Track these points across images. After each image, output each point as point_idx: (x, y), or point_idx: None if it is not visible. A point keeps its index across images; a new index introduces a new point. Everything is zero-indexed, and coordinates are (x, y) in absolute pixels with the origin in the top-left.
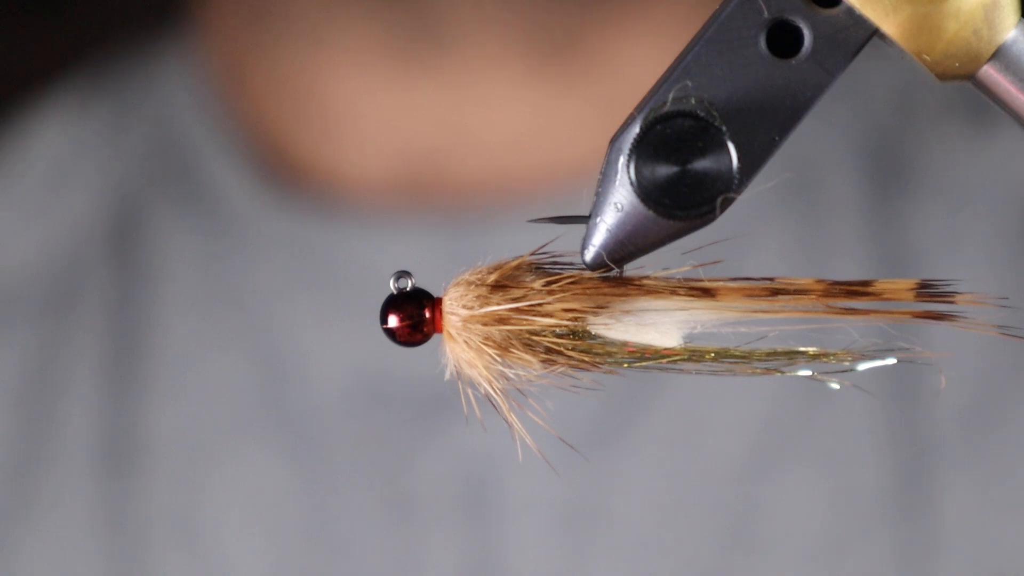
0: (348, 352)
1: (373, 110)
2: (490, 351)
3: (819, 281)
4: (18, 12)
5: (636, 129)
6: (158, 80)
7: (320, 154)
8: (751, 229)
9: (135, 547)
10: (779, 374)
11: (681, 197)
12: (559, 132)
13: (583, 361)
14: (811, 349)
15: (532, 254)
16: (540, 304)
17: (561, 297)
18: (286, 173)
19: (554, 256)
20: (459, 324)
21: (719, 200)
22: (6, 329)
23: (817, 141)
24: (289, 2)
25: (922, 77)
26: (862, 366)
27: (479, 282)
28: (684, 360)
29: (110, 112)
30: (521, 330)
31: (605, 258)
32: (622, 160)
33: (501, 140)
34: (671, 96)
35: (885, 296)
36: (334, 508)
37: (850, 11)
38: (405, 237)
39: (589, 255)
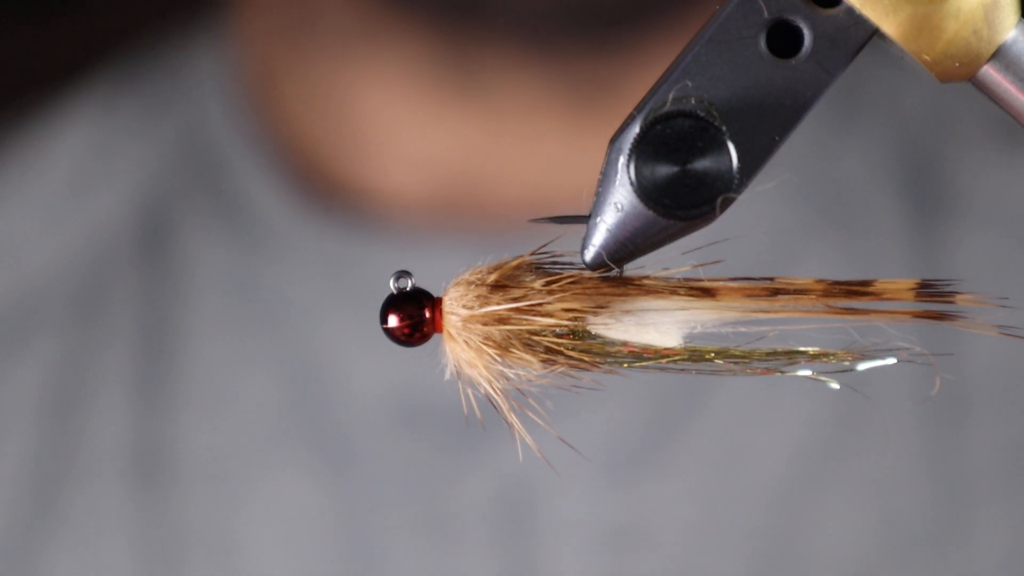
0: (384, 369)
1: (409, 127)
2: (490, 351)
3: (819, 281)
4: (43, 7)
5: (636, 129)
6: (188, 82)
7: (354, 168)
8: (794, 245)
9: (167, 565)
10: (779, 374)
11: (681, 197)
12: (594, 157)
13: (583, 361)
14: (811, 349)
15: (532, 254)
16: (540, 304)
17: (561, 297)
18: (320, 186)
19: (554, 256)
20: (459, 324)
21: (719, 200)
22: (29, 337)
23: (857, 163)
24: (324, 15)
25: (961, 98)
26: (862, 366)
27: (479, 282)
28: (684, 360)
29: (138, 112)
30: (521, 330)
31: (605, 258)
32: (622, 160)
33: (537, 162)
34: (671, 96)
35: (885, 296)
36: (370, 527)
37: (850, 11)
38: (440, 255)
39: (589, 255)
